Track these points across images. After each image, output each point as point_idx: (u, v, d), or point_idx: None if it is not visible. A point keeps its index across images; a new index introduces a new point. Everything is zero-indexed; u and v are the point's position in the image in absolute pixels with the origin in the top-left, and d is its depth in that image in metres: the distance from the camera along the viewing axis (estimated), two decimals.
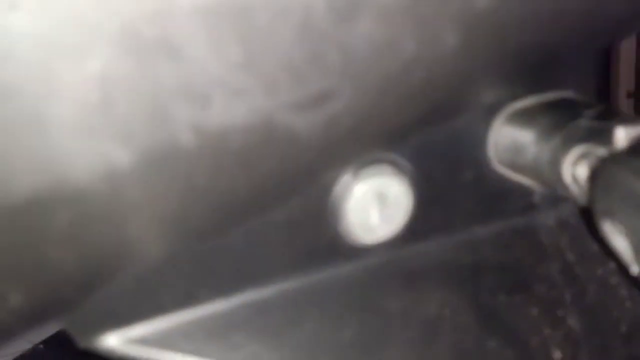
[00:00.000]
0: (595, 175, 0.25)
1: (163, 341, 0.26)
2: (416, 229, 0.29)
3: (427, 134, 0.28)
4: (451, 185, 0.30)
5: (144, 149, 0.19)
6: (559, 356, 0.30)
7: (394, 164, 0.27)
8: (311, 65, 0.19)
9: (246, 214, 0.24)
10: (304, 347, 0.27)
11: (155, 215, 0.21)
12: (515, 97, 0.30)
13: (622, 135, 0.26)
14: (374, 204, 0.27)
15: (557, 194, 0.32)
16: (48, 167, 0.18)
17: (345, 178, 0.27)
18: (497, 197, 0.31)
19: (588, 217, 0.32)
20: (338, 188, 0.27)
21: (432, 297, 0.29)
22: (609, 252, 0.32)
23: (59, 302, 0.22)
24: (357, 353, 0.27)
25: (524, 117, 0.30)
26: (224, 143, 0.18)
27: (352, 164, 0.26)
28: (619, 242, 0.25)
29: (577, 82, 0.31)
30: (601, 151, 0.26)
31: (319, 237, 0.27)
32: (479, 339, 0.29)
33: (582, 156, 0.27)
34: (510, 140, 0.30)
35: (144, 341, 0.25)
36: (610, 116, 0.27)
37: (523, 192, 0.32)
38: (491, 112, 0.30)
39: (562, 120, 0.28)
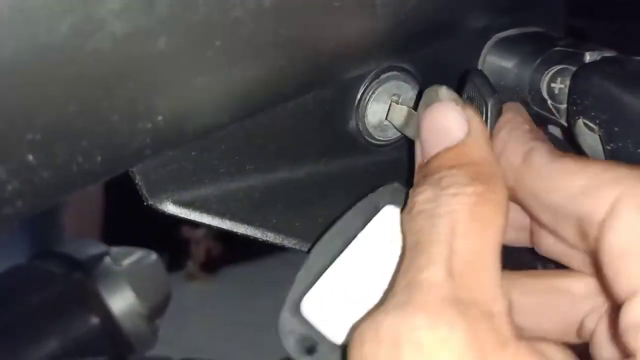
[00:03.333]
0: (573, 81, 0.31)
1: (208, 206, 0.30)
2: None
3: (432, 48, 0.33)
4: None
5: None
6: None
7: (407, 72, 0.33)
8: None
9: (290, 90, 0.28)
10: (331, 217, 0.31)
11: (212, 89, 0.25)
12: (499, 29, 0.36)
13: (592, 58, 0.32)
14: (388, 106, 0.33)
15: None
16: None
17: (368, 80, 0.32)
18: None
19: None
20: (362, 88, 0.32)
21: None
22: None
23: (135, 154, 0.26)
24: None
25: (507, 46, 0.36)
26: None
27: (377, 65, 0.31)
28: (589, 139, 0.31)
29: (549, 22, 0.37)
30: (574, 70, 0.32)
31: (343, 130, 0.32)
32: None
33: (558, 73, 0.33)
34: (495, 65, 0.36)
35: (192, 204, 0.29)
36: (579, 45, 0.34)
37: None
38: (480, 41, 0.36)
39: (540, 47, 0.34)
